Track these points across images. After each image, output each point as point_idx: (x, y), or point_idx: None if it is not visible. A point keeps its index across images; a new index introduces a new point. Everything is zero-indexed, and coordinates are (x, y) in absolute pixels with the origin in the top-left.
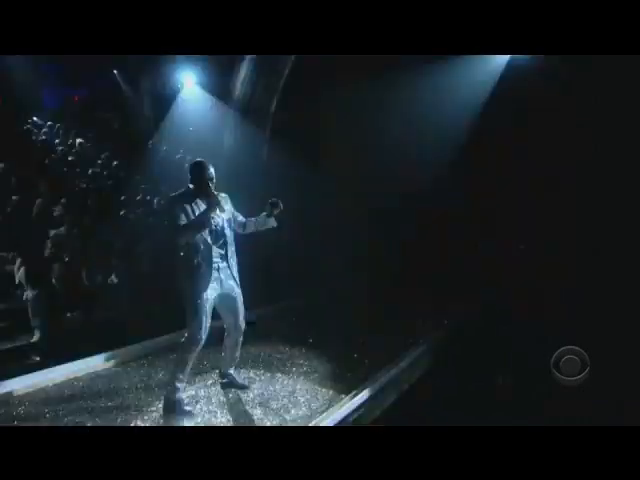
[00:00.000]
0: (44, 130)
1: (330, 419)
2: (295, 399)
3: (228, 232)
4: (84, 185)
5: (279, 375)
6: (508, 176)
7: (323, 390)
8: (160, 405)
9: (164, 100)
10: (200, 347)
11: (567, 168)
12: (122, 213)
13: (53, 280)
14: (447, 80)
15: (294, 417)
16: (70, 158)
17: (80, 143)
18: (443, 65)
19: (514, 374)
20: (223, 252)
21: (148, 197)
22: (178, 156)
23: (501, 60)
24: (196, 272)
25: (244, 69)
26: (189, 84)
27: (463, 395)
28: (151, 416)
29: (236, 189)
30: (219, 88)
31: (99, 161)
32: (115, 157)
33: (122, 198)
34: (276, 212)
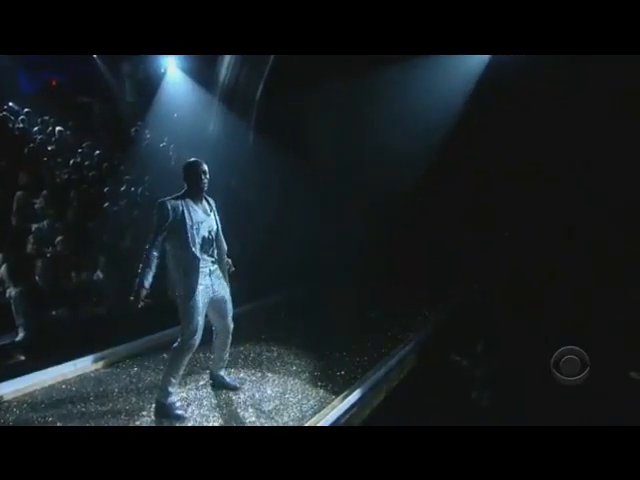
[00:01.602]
0: (21, 117)
1: (322, 421)
2: (286, 400)
3: (219, 235)
4: (66, 176)
5: (269, 375)
6: (497, 171)
7: (314, 391)
8: (152, 409)
9: (147, 85)
10: (193, 351)
11: (556, 162)
12: (106, 205)
13: (36, 277)
14: (434, 75)
15: (286, 420)
16: (50, 148)
17: (60, 131)
18: (432, 62)
19: (512, 373)
20: (214, 257)
21: (132, 188)
22: (162, 144)
23: (483, 57)
24: (187, 279)
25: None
26: (172, 68)
27: (455, 394)
28: (143, 421)
29: (221, 177)
30: (203, 73)
31: (80, 150)
32: (97, 146)
33: (105, 190)
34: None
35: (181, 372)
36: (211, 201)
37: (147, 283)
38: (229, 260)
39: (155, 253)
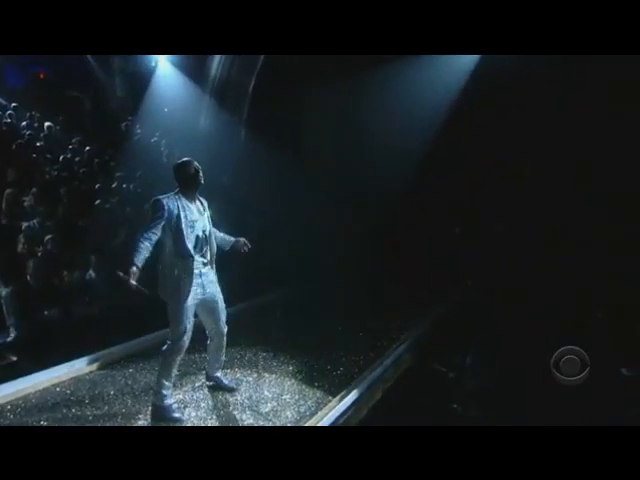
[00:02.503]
0: (9, 112)
1: (320, 423)
2: (284, 401)
3: (211, 236)
4: (55, 173)
5: (266, 376)
6: (496, 171)
7: (311, 391)
8: (148, 412)
9: (138, 79)
10: (183, 352)
11: (556, 161)
12: (97, 202)
13: (27, 276)
14: (426, 74)
15: (284, 421)
16: (39, 144)
17: (49, 127)
18: (426, 61)
19: (512, 373)
20: (206, 258)
21: (124, 185)
22: (154, 139)
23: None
24: (177, 280)
25: None
26: (163, 62)
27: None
28: (140, 424)
29: (213, 174)
30: (195, 67)
31: (70, 146)
32: (87, 142)
33: (97, 186)
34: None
35: (174, 374)
36: (204, 201)
37: (138, 262)
38: (243, 239)
39: (146, 243)
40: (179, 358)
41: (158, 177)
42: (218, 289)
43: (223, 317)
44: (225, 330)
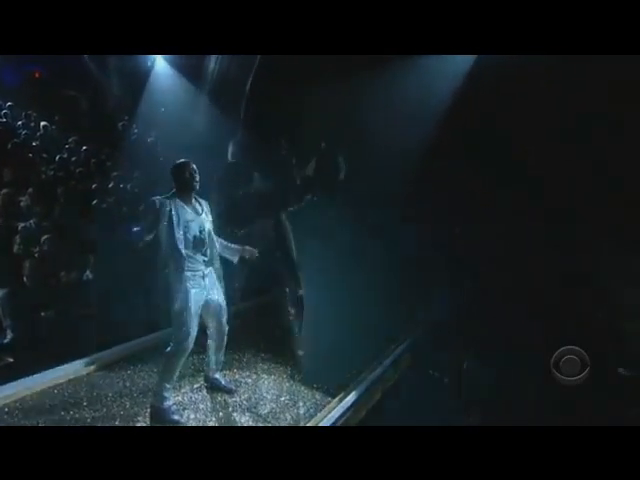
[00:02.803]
0: (4, 112)
1: (320, 424)
2: (282, 403)
3: (212, 236)
4: (52, 173)
5: (265, 377)
6: (495, 170)
7: (309, 393)
8: (147, 414)
9: (134, 78)
10: (187, 355)
11: (555, 161)
12: (94, 203)
13: (24, 277)
14: (426, 74)
15: (282, 423)
16: (35, 143)
17: (45, 126)
18: (423, 61)
19: (512, 373)
20: (207, 258)
21: (121, 185)
22: (150, 139)
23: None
24: (176, 280)
25: None
26: (159, 61)
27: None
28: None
29: (210, 173)
30: (191, 65)
31: (67, 146)
32: (84, 141)
33: (93, 186)
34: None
35: (175, 376)
36: (203, 202)
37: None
38: (249, 247)
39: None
40: (182, 360)
41: (155, 177)
42: (220, 289)
43: (225, 317)
44: (226, 329)
